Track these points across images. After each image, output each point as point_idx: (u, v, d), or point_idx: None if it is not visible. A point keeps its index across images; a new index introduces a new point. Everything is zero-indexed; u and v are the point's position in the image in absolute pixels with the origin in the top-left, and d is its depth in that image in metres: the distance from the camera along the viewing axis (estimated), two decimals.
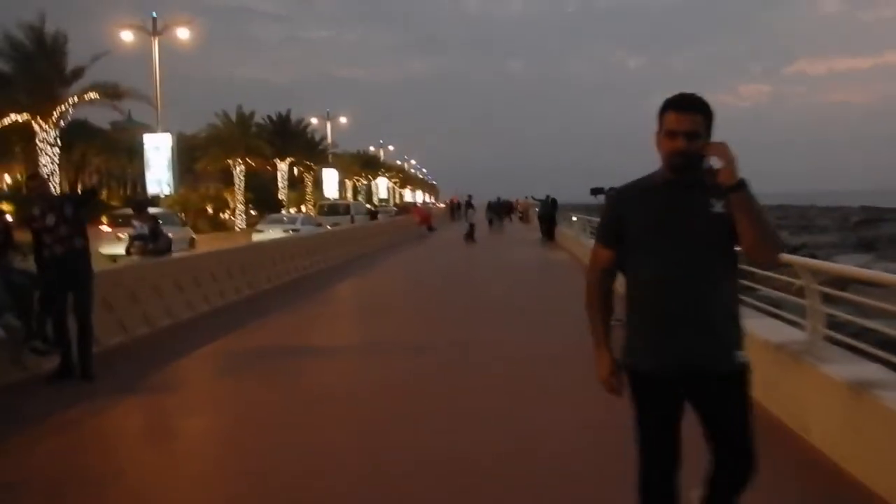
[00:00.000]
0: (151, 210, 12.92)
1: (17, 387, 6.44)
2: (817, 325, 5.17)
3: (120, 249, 12.64)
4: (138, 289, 9.02)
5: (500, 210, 43.04)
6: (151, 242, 9.79)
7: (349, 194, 70.93)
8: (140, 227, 9.99)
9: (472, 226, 28.96)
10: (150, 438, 5.49)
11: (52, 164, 29.42)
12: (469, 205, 32.33)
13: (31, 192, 6.57)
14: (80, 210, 6.50)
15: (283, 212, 42.43)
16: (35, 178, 6.96)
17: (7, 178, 44.99)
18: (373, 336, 9.42)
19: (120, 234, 15.68)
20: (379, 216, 43.67)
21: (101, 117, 48.22)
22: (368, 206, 53.27)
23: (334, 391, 6.58)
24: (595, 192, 9.75)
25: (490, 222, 38.59)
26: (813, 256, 13.70)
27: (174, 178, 36.97)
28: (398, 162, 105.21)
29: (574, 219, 24.10)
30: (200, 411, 6.11)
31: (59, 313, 6.44)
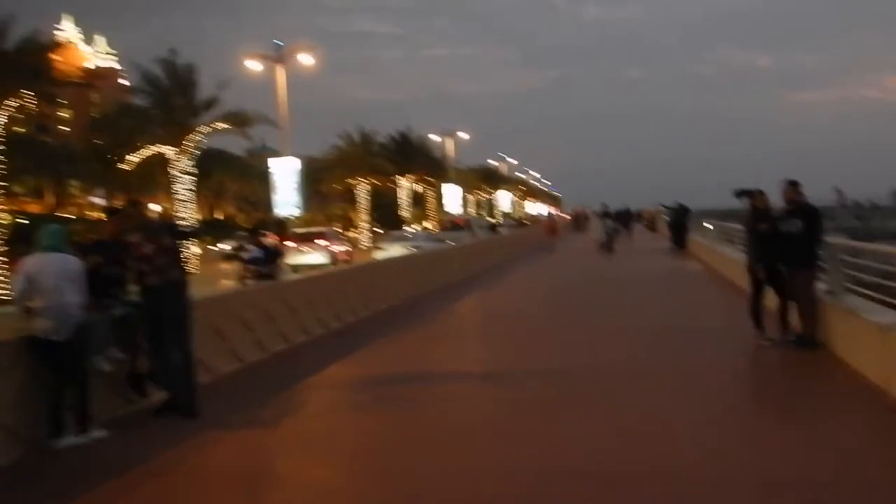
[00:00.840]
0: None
1: (122, 420, 6.25)
2: None
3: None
4: (249, 314, 8.80)
5: (622, 221, 39.02)
6: (265, 266, 9.62)
7: (471, 209, 70.99)
8: (255, 250, 9.86)
9: (609, 236, 28.01)
10: (255, 485, 5.04)
11: (188, 191, 30.95)
12: (607, 214, 31.24)
13: (129, 221, 6.40)
14: (179, 240, 6.26)
15: (406, 228, 42.77)
16: (134, 205, 6.84)
17: (154, 207, 48.15)
18: (494, 359, 8.77)
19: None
20: (500, 230, 43.07)
21: (238, 145, 50.74)
22: (490, 219, 52.89)
23: (461, 425, 5.97)
24: (740, 194, 8.59)
25: (609, 238, 28.97)
26: None
27: (302, 199, 38.07)
28: (520, 175, 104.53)
29: (708, 226, 22.50)
30: (307, 451, 5.66)
31: (160, 345, 6.19)
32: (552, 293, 15.86)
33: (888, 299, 7.07)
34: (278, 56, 34.72)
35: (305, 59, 36.24)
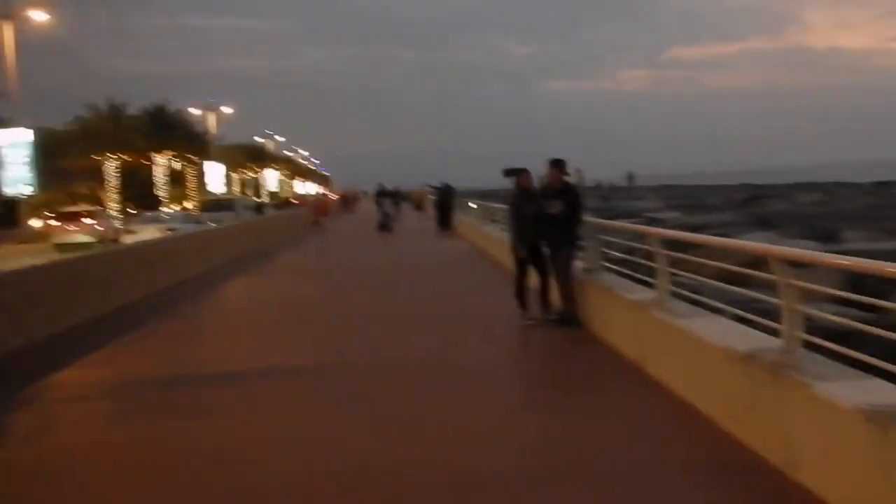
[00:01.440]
0: None
1: None
2: (795, 328, 4.25)
3: None
4: None
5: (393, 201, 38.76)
6: None
7: (236, 188, 67.64)
8: None
9: (388, 215, 28.42)
10: None
11: None
12: (384, 194, 31.30)
13: None
14: None
15: (163, 209, 39.47)
16: None
17: None
18: (259, 354, 7.97)
19: None
20: (266, 210, 41.38)
21: None
22: (256, 199, 50.70)
23: (234, 438, 5.14)
24: (508, 173, 8.58)
25: (386, 217, 29.54)
26: (725, 236, 13.24)
27: (36, 176, 33.67)
28: (289, 154, 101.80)
29: (473, 206, 23.21)
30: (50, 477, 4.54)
31: None
32: (323, 277, 15.25)
33: (639, 276, 7.43)
34: (4, 11, 30.16)
35: (38, 16, 31.93)
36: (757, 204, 29.29)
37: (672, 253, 6.18)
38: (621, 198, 45.70)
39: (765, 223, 17.76)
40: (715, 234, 14.14)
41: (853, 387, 3.72)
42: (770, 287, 4.49)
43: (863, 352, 3.81)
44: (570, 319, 8.03)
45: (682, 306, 6.01)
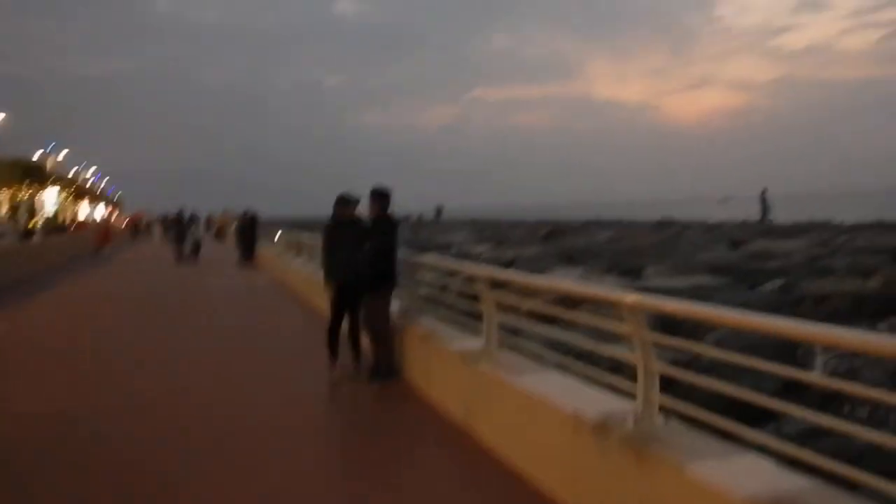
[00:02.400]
0: None
1: None
2: (651, 390, 3.62)
3: None
4: None
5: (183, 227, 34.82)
6: None
7: (2, 210, 59.69)
8: None
9: (180, 242, 26.54)
10: None
11: None
12: (181, 220, 28.59)
13: None
14: None
15: None
16: None
17: None
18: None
19: None
20: (38, 235, 36.55)
21: None
22: (24, 222, 44.81)
23: None
24: (342, 202, 7.34)
25: (193, 245, 27.61)
26: (537, 271, 13.07)
27: None
28: (74, 172, 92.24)
29: (280, 237, 21.76)
30: None
31: None
32: (97, 316, 13.09)
33: (465, 320, 6.70)
34: None
35: None
36: (558, 239, 30.45)
37: (503, 296, 5.49)
38: (430, 231, 46.02)
39: (570, 259, 18.10)
40: (526, 269, 14.02)
41: (734, 467, 3.12)
42: (624, 339, 3.88)
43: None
44: (385, 371, 7.11)
45: (516, 359, 5.30)
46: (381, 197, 7.28)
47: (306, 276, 13.58)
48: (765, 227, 30.37)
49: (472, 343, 5.90)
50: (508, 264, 16.62)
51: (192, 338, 10.31)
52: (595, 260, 17.19)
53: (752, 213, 45.01)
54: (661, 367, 3.63)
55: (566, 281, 5.86)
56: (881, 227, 27.56)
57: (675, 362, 4.24)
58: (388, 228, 7.26)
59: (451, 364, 5.86)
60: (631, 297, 3.61)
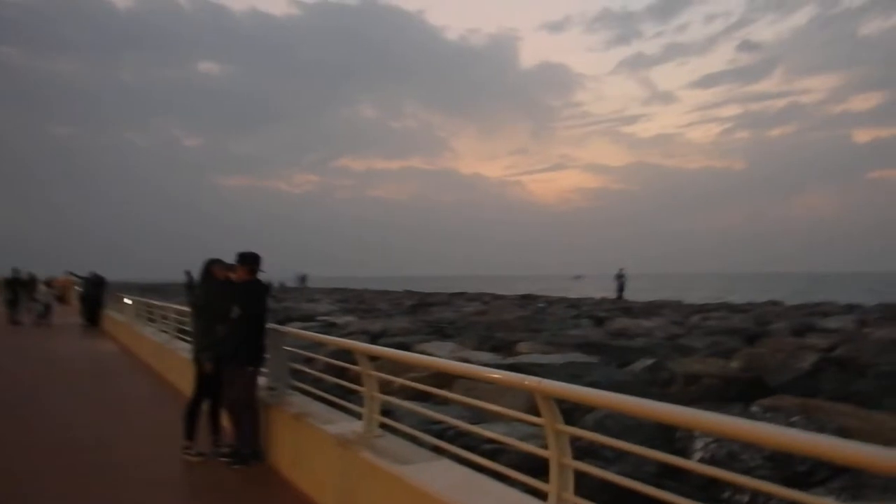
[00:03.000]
0: None
1: None
2: (566, 490, 3.27)
3: None
4: None
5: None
6: None
7: None
8: None
9: (47, 305, 24.72)
10: None
11: None
12: (29, 282, 25.98)
13: None
14: None
15: None
16: None
17: None
18: None
19: None
20: None
21: None
22: None
23: None
24: (246, 259, 6.59)
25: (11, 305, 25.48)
26: (403, 346, 12.67)
27: None
28: None
29: (127, 301, 20.10)
30: None
31: None
32: None
33: (335, 398, 6.15)
34: None
35: None
36: (426, 311, 30.29)
37: (385, 376, 5.04)
38: (294, 299, 44.61)
39: (440, 331, 17.83)
40: (399, 342, 13.57)
41: None
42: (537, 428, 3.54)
43: None
44: (249, 453, 6.38)
45: (401, 445, 4.83)
46: (250, 260, 6.68)
47: (156, 345, 12.45)
48: (623, 305, 31.70)
49: (349, 425, 5.37)
50: (378, 336, 16.11)
51: (28, 411, 8.99)
52: (466, 333, 17.01)
53: (607, 290, 47.32)
54: (574, 462, 3.31)
55: (471, 364, 5.43)
56: (728, 307, 29.49)
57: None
58: (258, 294, 6.66)
59: (326, 448, 5.28)
60: (543, 385, 3.27)
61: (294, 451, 6.02)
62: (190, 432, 6.56)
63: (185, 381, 8.80)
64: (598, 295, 45.26)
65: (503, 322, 21.53)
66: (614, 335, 17.21)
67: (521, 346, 13.16)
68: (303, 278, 77.59)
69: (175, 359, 10.86)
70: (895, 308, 28.07)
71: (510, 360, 11.67)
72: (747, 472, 6.31)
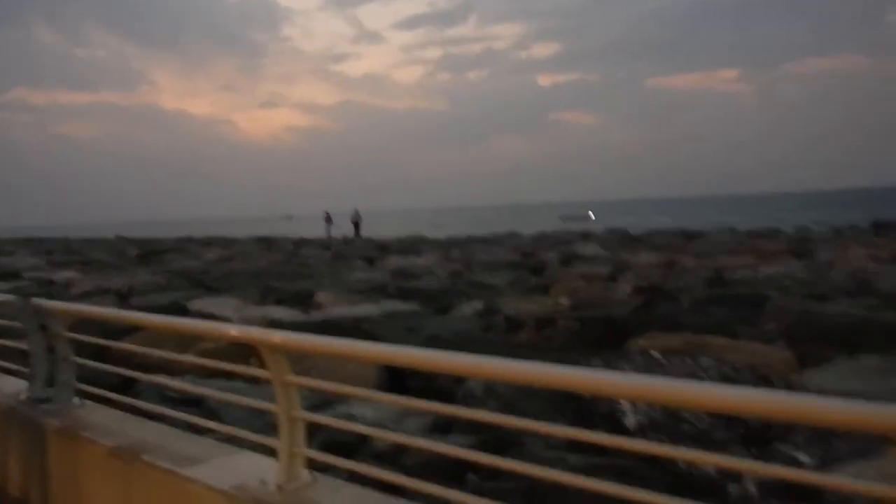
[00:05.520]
0: None
1: None
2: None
3: None
4: None
5: None
6: None
7: None
8: None
9: None
10: None
11: None
12: None
13: None
14: None
15: None
16: None
17: None
18: None
19: None
20: None
21: None
22: None
23: None
24: None
25: None
26: (178, 307, 10.18)
27: None
28: None
29: None
30: None
31: None
32: None
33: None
34: None
35: None
36: (160, 260, 26.57)
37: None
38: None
39: (201, 285, 15.11)
40: (169, 302, 10.86)
41: None
42: None
43: None
44: None
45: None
46: None
47: None
48: (377, 244, 30.72)
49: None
50: (126, 296, 13.06)
51: None
52: (234, 285, 14.59)
53: (319, 230, 46.87)
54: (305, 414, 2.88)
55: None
56: (480, 240, 30.02)
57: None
58: None
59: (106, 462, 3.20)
60: (276, 337, 2.92)
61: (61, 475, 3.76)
62: None
63: None
64: (329, 235, 43.94)
65: (266, 270, 19.19)
66: (398, 276, 16.00)
67: (321, 297, 11.28)
68: None
69: None
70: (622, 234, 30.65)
71: (320, 317, 9.81)
72: (697, 437, 5.39)
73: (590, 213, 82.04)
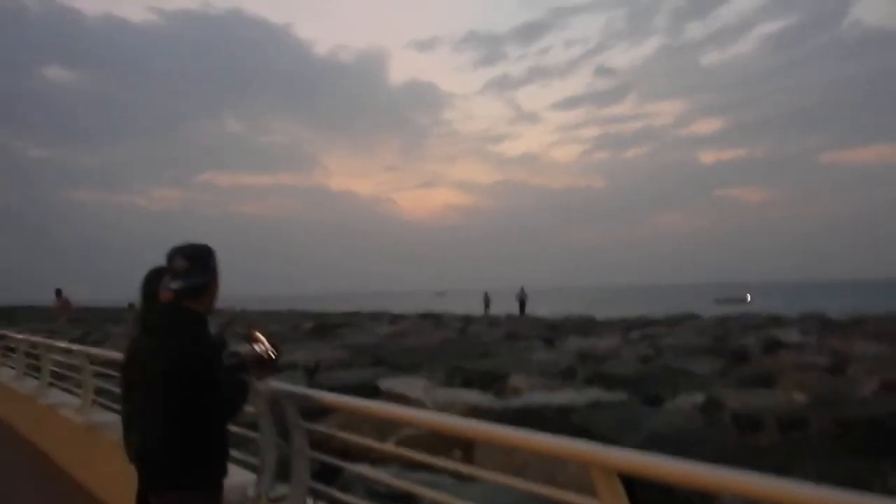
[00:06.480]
0: None
1: None
2: None
3: None
4: None
5: None
6: None
7: None
8: None
9: None
10: None
11: None
12: None
13: None
14: None
15: None
16: None
17: None
18: None
19: None
20: None
21: None
22: None
23: None
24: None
25: None
26: (367, 387, 9.81)
27: None
28: None
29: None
30: None
31: None
32: None
33: None
34: None
35: None
36: (334, 335, 27.07)
37: None
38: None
39: (382, 363, 14.88)
40: (358, 381, 10.58)
41: None
42: None
43: None
44: None
45: None
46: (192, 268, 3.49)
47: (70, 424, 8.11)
48: (546, 323, 29.77)
49: None
50: (313, 371, 13.03)
51: None
52: (417, 363, 14.24)
53: (473, 307, 46.69)
54: None
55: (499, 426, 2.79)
56: (661, 323, 28.35)
57: None
58: (197, 362, 3.35)
59: None
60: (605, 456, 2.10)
61: None
62: None
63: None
64: (486, 314, 43.45)
65: (439, 347, 18.83)
66: (584, 359, 14.97)
67: (515, 381, 10.52)
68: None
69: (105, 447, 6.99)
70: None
71: (519, 403, 9.04)
72: None
73: (747, 295, 77.50)
